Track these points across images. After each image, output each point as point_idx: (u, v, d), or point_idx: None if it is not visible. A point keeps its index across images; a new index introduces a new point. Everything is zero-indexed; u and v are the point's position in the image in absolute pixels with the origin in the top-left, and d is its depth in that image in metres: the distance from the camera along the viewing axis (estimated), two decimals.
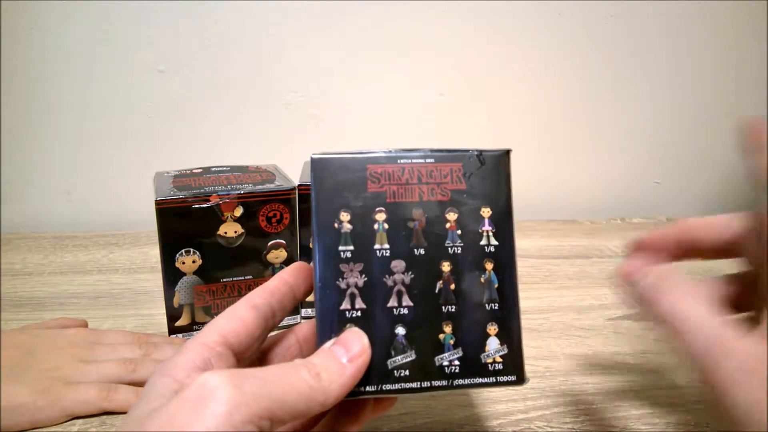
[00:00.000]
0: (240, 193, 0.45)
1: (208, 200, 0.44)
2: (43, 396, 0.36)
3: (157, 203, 0.43)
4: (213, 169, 0.51)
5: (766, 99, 0.83)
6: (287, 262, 0.49)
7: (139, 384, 0.39)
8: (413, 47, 0.76)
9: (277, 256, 0.48)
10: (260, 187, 0.46)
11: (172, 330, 0.47)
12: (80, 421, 0.38)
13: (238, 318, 0.27)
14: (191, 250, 0.45)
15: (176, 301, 0.46)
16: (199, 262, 0.46)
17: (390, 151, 0.29)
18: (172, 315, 0.47)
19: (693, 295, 0.25)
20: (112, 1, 0.69)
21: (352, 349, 0.25)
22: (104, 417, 0.38)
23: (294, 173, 0.51)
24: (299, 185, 0.49)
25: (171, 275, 0.45)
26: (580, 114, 0.82)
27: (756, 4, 0.78)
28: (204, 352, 0.25)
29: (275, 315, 0.29)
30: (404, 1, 0.73)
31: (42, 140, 0.74)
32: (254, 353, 0.29)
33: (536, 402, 0.41)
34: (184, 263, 0.45)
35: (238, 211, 0.45)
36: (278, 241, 0.48)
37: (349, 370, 0.25)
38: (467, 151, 0.29)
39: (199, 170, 0.51)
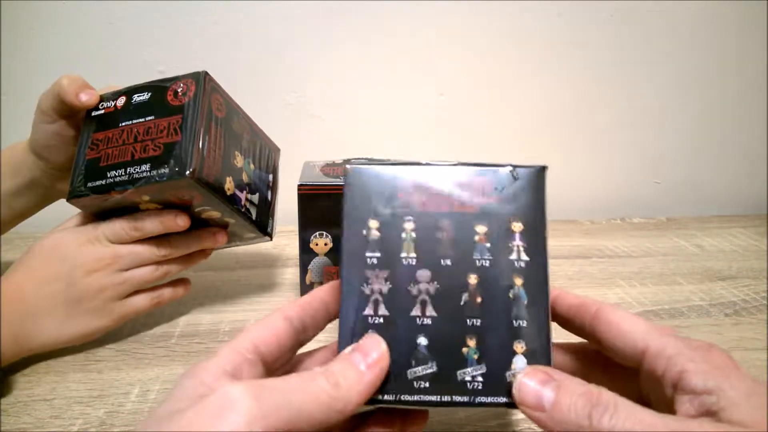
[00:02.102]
0: (138, 187, 0.42)
1: (110, 196, 0.43)
2: (109, 318, 0.45)
3: (70, 198, 0.44)
4: (134, 100, 0.45)
5: (766, 99, 0.84)
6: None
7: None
8: (413, 47, 0.76)
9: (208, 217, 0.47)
10: (155, 172, 0.42)
11: None
12: (80, 421, 0.38)
13: (271, 328, 0.27)
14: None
15: None
16: None
17: (422, 163, 0.29)
18: None
19: None
20: (112, 1, 0.69)
21: (370, 355, 0.25)
22: (104, 417, 0.39)
23: (294, 173, 0.51)
24: (299, 185, 0.49)
25: None
26: (580, 114, 0.82)
27: (756, 5, 0.79)
28: (235, 358, 0.25)
29: (307, 330, 0.29)
30: (404, 1, 0.73)
31: None
32: (284, 366, 0.29)
33: None
34: None
35: (146, 199, 0.43)
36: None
37: (367, 376, 0.25)
38: (500, 165, 0.29)
39: (121, 101, 0.46)
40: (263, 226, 0.50)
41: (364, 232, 0.28)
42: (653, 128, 0.84)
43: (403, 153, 0.57)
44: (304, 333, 0.29)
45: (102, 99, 0.46)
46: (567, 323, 0.31)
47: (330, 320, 0.30)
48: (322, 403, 0.23)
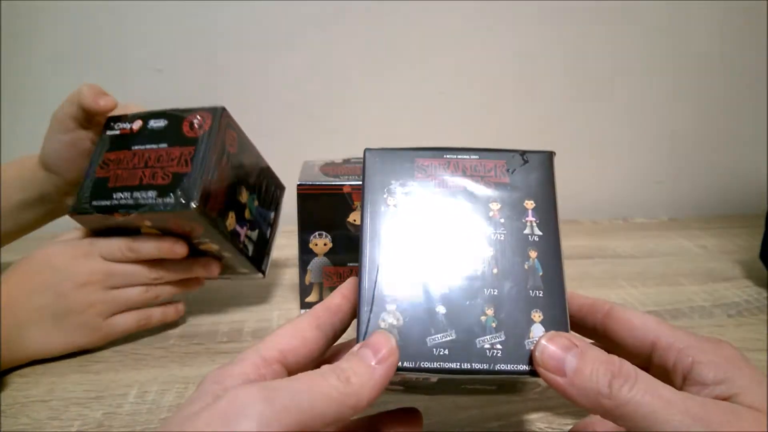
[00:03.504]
0: (141, 212, 0.43)
1: (113, 217, 0.43)
2: (94, 335, 0.45)
3: (73, 213, 0.44)
4: (150, 125, 0.46)
5: (766, 99, 0.83)
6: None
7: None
8: (413, 46, 0.76)
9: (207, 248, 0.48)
10: (160, 200, 0.43)
11: None
12: (78, 422, 0.38)
13: (301, 337, 0.27)
14: None
15: None
16: None
17: (437, 148, 0.31)
18: None
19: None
20: (112, 1, 0.69)
21: (380, 351, 0.25)
22: (102, 419, 0.39)
23: (294, 173, 0.51)
24: (299, 185, 0.49)
25: None
26: (581, 114, 0.82)
27: (756, 5, 0.78)
28: (261, 367, 0.25)
29: (336, 334, 0.29)
30: (405, 2, 0.73)
31: (41, 140, 0.74)
32: (310, 369, 0.29)
33: (538, 403, 0.40)
34: None
35: (148, 224, 0.44)
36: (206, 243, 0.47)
37: (378, 372, 0.24)
38: (510, 150, 0.31)
39: (137, 124, 0.47)
40: (258, 262, 0.51)
41: (383, 209, 0.29)
42: (655, 128, 0.84)
43: None
44: (333, 338, 0.29)
45: (120, 119, 0.47)
46: (578, 324, 0.31)
47: (354, 317, 0.29)
48: (333, 401, 0.22)
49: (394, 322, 0.27)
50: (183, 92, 0.74)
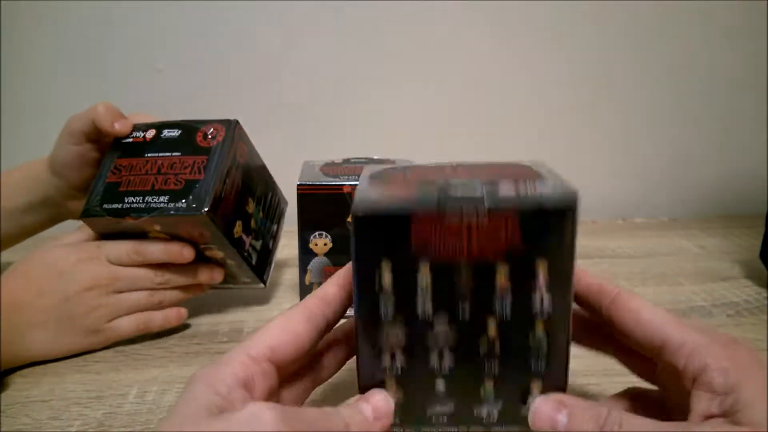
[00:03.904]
0: (153, 216, 0.44)
1: (124, 220, 0.44)
2: (95, 338, 0.45)
3: (83, 216, 0.45)
4: (164, 134, 0.48)
5: (766, 99, 0.83)
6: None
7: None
8: (414, 47, 0.76)
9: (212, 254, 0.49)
10: (172, 205, 0.44)
11: None
12: (78, 422, 0.38)
13: (291, 331, 0.27)
14: None
15: None
16: None
17: (440, 197, 0.26)
18: None
19: None
20: (111, 1, 0.69)
21: (378, 411, 0.27)
22: (102, 419, 0.39)
23: (294, 173, 0.51)
24: (299, 185, 0.49)
25: None
26: (581, 114, 0.82)
27: (753, 4, 0.78)
28: (249, 366, 0.25)
29: (329, 325, 0.29)
30: (404, 1, 0.73)
31: (41, 140, 0.74)
32: (303, 362, 0.30)
33: None
34: None
35: (158, 228, 0.45)
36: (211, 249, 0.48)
37: (375, 427, 0.27)
38: (526, 199, 0.25)
39: (151, 133, 0.48)
40: (260, 272, 0.52)
41: (377, 278, 0.26)
42: (655, 128, 0.84)
43: (403, 153, 0.57)
44: (326, 329, 0.29)
45: (133, 128, 0.48)
46: (583, 303, 0.30)
47: (349, 305, 0.29)
48: None
49: (394, 397, 0.28)
50: (183, 92, 0.74)
